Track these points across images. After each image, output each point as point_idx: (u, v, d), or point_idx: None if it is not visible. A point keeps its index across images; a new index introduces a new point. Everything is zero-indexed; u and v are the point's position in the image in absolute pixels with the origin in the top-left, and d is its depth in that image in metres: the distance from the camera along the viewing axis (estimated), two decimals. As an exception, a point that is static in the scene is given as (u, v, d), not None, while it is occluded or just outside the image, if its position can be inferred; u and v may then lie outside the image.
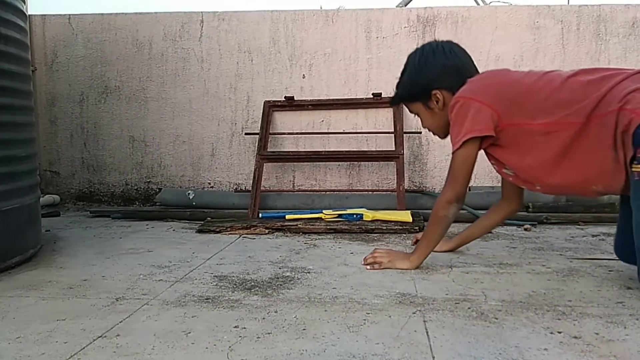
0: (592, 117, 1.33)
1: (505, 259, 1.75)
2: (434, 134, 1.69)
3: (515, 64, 2.87)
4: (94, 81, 3.11)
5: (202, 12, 3.03)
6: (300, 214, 2.40)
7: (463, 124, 1.45)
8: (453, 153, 1.50)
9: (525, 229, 2.25)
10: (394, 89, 1.67)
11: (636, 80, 1.32)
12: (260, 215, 2.50)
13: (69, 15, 3.11)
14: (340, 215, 2.37)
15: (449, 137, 1.57)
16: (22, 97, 1.87)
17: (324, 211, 2.40)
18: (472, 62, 1.59)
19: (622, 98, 1.28)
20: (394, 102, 1.73)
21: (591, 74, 1.40)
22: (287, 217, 2.37)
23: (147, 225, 2.51)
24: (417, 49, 1.61)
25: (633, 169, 1.29)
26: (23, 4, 1.92)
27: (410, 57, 1.62)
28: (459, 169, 1.50)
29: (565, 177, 1.42)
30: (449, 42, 1.60)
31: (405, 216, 2.31)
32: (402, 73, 1.64)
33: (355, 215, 2.34)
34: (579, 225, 2.34)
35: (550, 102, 1.39)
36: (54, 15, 3.11)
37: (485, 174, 2.91)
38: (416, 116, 1.68)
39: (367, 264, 1.65)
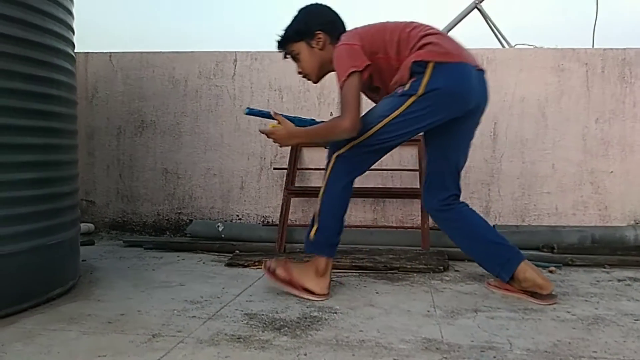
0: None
1: (531, 303, 1.77)
2: (307, 79, 1.96)
3: (540, 105, 2.91)
4: (131, 115, 3.26)
5: (235, 51, 3.16)
6: None
7: (345, 63, 1.75)
8: (341, 86, 1.74)
9: (550, 271, 2.26)
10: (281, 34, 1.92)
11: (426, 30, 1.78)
12: (300, 251, 2.44)
13: (110, 53, 3.28)
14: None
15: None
16: (69, 137, 1.98)
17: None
18: (344, 24, 1.93)
19: (413, 46, 1.75)
20: (281, 44, 1.93)
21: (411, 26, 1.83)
22: None
23: (178, 256, 2.59)
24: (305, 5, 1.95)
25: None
26: (73, 49, 2.05)
27: (299, 9, 1.92)
28: (349, 95, 1.73)
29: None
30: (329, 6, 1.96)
31: None
32: (291, 21, 1.91)
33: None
34: (604, 268, 2.34)
35: (393, 42, 1.79)
36: (96, 53, 3.29)
37: (509, 212, 2.94)
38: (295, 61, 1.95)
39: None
